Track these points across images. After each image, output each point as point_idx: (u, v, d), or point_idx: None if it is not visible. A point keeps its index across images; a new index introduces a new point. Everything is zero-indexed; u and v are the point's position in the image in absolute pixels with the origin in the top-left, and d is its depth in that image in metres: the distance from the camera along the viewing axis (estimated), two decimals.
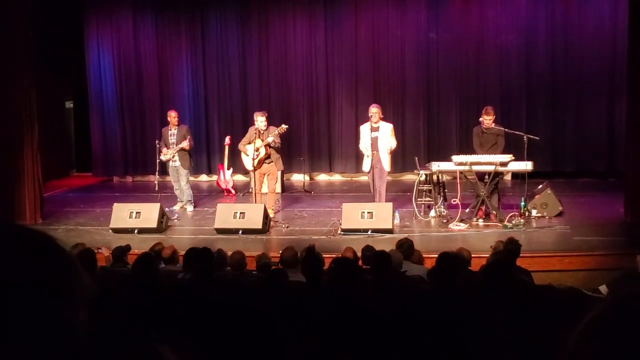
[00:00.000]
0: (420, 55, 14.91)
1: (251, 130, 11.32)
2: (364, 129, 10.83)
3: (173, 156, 11.98)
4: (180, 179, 12.14)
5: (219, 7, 15.68)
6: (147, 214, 10.51)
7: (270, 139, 10.87)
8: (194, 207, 12.35)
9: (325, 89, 15.45)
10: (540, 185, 11.25)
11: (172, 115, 12.12)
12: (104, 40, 16.05)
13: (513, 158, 10.23)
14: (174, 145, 11.93)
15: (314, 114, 15.55)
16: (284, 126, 11.05)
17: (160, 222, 10.48)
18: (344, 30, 15.19)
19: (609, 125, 14.17)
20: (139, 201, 11.66)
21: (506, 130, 10.81)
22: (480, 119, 10.72)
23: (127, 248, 7.47)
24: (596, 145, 14.26)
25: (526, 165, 10.27)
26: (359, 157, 11.44)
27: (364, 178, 11.21)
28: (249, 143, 11.14)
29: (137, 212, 10.54)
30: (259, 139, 10.99)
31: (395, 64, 15.07)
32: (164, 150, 12.01)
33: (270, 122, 11.34)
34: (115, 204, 10.86)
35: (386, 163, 10.73)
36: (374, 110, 10.78)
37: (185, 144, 11.85)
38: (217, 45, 15.74)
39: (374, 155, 10.54)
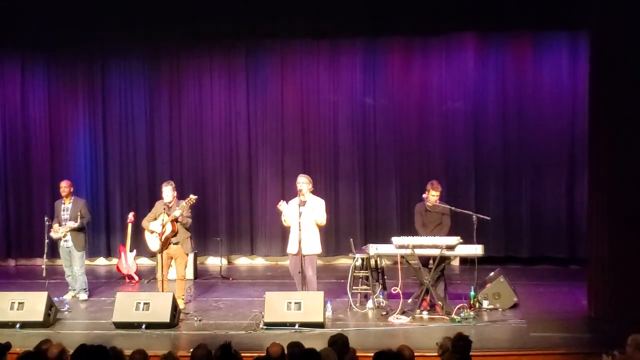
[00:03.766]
0: (356, 122, 15.13)
1: (158, 204, 11.28)
2: (292, 205, 10.84)
3: (65, 235, 11.79)
4: (74, 263, 11.92)
5: (123, 55, 15.61)
6: (32, 304, 10.24)
7: (177, 213, 10.82)
8: (89, 296, 12.11)
9: (246, 159, 15.47)
10: (492, 273, 11.39)
11: (63, 186, 12.02)
12: None
13: (461, 241, 10.36)
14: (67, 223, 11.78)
15: (233, 187, 15.53)
16: (192, 196, 11.02)
17: (47, 314, 10.22)
18: (269, 91, 15.33)
19: (568, 204, 14.48)
20: (23, 289, 11.40)
21: (452, 208, 10.99)
22: (424, 195, 10.87)
23: (7, 346, 7.21)
24: (555, 227, 14.53)
25: (476, 249, 10.38)
26: (285, 237, 11.46)
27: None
28: (155, 219, 11.07)
29: (19, 303, 10.26)
30: (166, 213, 10.93)
31: (327, 132, 15.24)
32: (55, 227, 11.83)
33: (183, 196, 11.29)
34: None
35: (314, 244, 10.74)
36: (302, 180, 10.84)
37: (73, 224, 11.73)
38: (121, 103, 15.65)
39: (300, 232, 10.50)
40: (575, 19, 12.91)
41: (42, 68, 15.74)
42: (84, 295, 12.01)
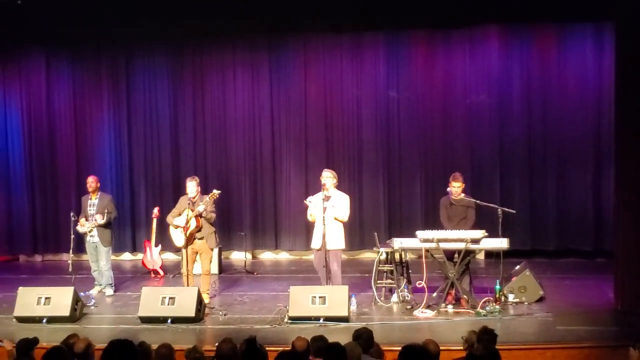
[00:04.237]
0: (379, 116, 15.09)
1: (182, 200, 11.31)
2: (316, 199, 10.84)
3: (91, 230, 11.86)
4: (100, 258, 11.98)
5: (146, 51, 15.70)
6: (59, 299, 10.31)
7: (200, 208, 10.86)
8: (115, 291, 12.18)
9: (270, 153, 15.49)
10: (518, 266, 11.33)
11: (90, 181, 12.07)
12: (12, 93, 15.95)
13: (486, 234, 10.32)
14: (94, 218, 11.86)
15: (257, 182, 15.55)
16: (216, 191, 11.02)
17: (73, 309, 10.28)
18: (292, 85, 15.34)
19: (595, 196, 14.40)
20: (50, 284, 11.50)
21: (477, 202, 10.94)
22: (448, 189, 10.84)
23: (35, 341, 7.28)
24: (581, 220, 14.47)
25: (501, 243, 10.33)
26: (309, 231, 11.44)
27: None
28: (179, 215, 11.10)
29: (46, 298, 10.34)
30: (190, 209, 10.97)
31: (351, 126, 15.22)
32: (82, 221, 11.90)
33: (207, 191, 11.31)
34: (20, 288, 10.63)
35: (338, 239, 10.74)
36: (326, 174, 10.83)
37: (100, 219, 11.79)
38: (145, 100, 15.73)
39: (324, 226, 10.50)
40: (600, 10, 12.78)
41: (66, 65, 15.83)
42: (110, 290, 12.08)
